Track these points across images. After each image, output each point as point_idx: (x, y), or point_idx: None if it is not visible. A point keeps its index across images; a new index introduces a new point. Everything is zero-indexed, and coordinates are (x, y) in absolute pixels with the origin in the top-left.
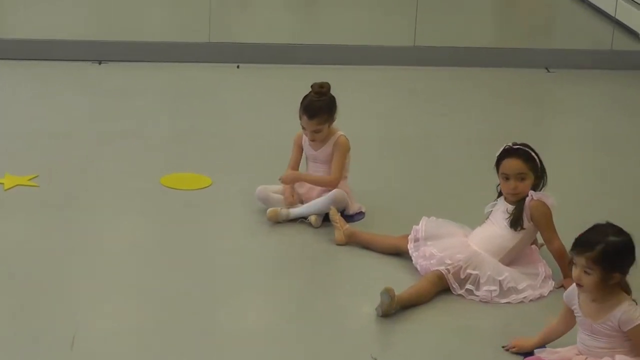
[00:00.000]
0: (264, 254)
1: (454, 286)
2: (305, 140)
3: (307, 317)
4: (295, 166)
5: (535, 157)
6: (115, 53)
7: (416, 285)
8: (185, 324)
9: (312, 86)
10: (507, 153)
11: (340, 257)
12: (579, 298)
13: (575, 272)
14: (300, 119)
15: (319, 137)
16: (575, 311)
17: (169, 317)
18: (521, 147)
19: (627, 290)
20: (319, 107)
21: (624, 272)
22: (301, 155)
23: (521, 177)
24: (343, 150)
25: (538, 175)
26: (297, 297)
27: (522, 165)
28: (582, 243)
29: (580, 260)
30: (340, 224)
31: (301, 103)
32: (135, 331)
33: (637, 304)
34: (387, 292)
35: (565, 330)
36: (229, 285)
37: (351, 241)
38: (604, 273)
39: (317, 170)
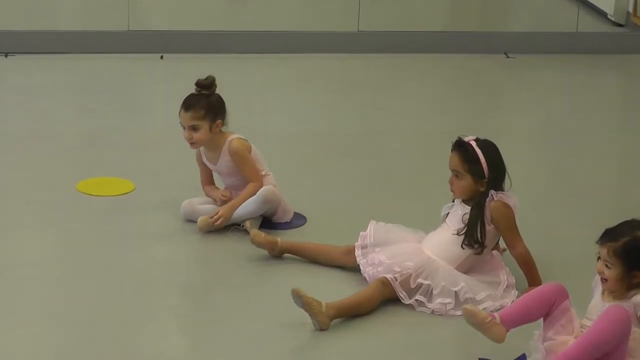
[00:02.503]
0: (193, 266)
1: (401, 295)
2: (203, 156)
3: (242, 337)
4: (210, 181)
5: (483, 159)
6: (23, 44)
7: (357, 293)
8: (103, 348)
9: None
10: (454, 145)
11: (278, 270)
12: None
13: (598, 264)
14: (179, 115)
15: (197, 137)
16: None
17: (85, 341)
18: (471, 144)
19: None
20: (197, 99)
21: None
22: (209, 169)
23: (455, 174)
24: (241, 156)
25: (488, 177)
26: (230, 314)
27: (458, 163)
28: (608, 233)
29: (602, 252)
30: (266, 246)
31: None
32: (48, 358)
33: None
34: (296, 294)
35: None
36: (154, 303)
37: (289, 253)
38: (625, 268)
39: (232, 184)
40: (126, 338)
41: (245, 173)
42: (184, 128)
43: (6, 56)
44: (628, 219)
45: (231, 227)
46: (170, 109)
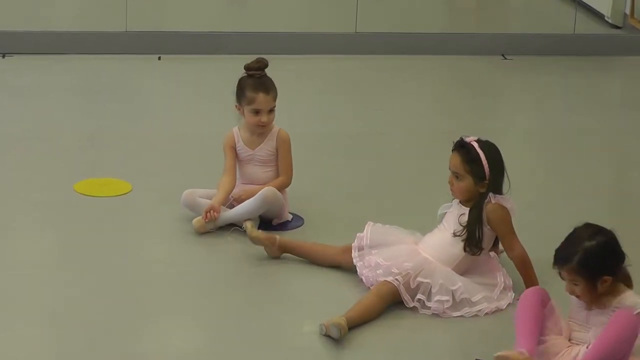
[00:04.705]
0: (192, 267)
1: (405, 298)
2: (239, 140)
3: (241, 338)
4: (233, 172)
5: (484, 160)
6: (21, 45)
7: (364, 301)
8: (106, 348)
9: (248, 65)
10: (455, 146)
11: (277, 270)
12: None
13: (566, 285)
14: (251, 102)
15: (270, 120)
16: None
17: (87, 342)
18: (472, 144)
19: (628, 283)
20: (270, 81)
21: (613, 272)
22: (236, 159)
23: (455, 175)
24: (288, 145)
25: (488, 179)
26: (229, 315)
27: (459, 164)
28: (560, 256)
29: (564, 274)
30: (265, 242)
31: (244, 85)
32: (47, 359)
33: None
34: (338, 328)
35: None
36: (154, 303)
37: (287, 252)
38: (590, 280)
39: (252, 174)
40: (125, 338)
41: (283, 164)
42: (256, 112)
43: (3, 57)
44: (577, 225)
45: (230, 227)
46: (167, 109)
